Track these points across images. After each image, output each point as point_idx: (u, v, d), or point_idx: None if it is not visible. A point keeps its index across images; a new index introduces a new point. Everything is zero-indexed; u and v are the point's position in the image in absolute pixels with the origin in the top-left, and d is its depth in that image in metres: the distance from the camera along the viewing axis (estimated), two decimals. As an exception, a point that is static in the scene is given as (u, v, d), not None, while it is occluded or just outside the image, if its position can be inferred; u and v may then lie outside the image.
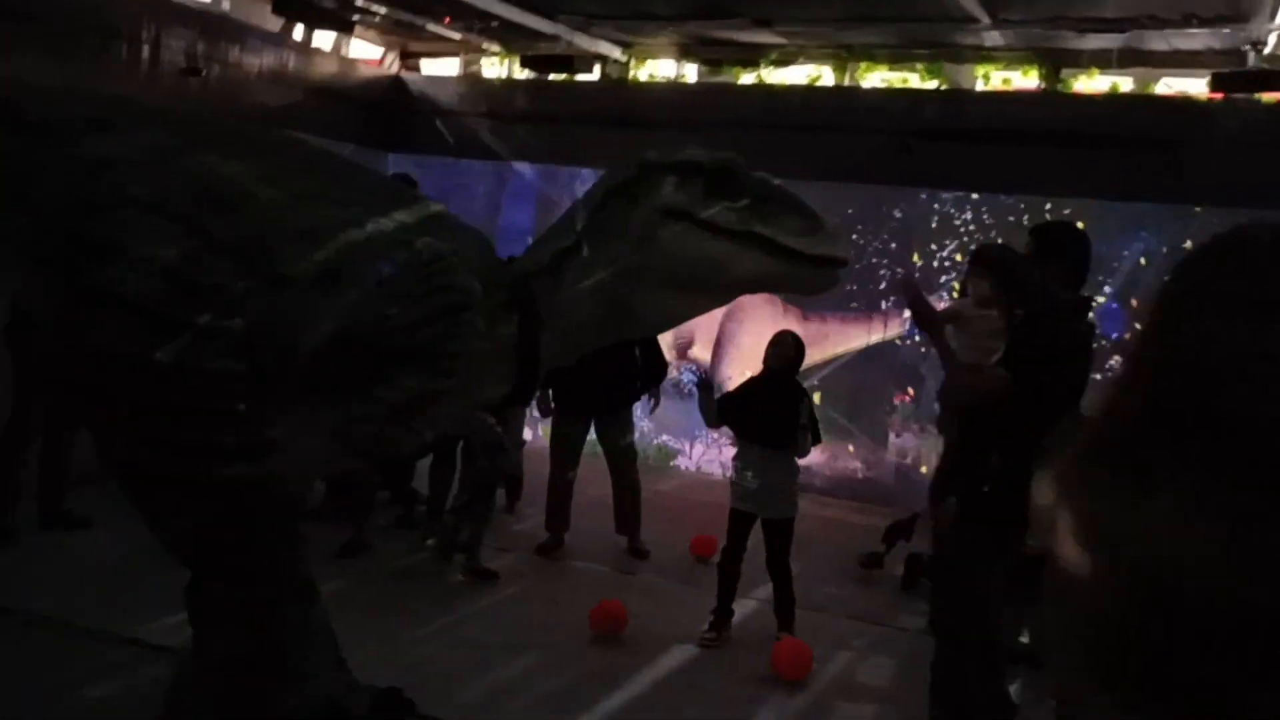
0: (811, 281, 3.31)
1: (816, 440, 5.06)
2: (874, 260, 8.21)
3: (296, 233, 2.97)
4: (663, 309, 3.34)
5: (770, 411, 4.91)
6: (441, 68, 9.98)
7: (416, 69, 9.90)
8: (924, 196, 8.17)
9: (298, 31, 8.50)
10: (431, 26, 8.68)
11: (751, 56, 8.75)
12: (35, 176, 2.96)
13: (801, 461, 5.02)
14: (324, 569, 3.82)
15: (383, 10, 8.34)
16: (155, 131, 3.15)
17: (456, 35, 8.94)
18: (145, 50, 7.10)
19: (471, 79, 9.85)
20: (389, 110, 9.48)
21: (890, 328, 8.23)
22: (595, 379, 5.63)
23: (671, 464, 8.71)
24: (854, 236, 8.03)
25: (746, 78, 8.96)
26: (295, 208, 3.03)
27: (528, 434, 7.75)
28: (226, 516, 2.98)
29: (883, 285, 8.20)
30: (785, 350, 5.04)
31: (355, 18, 8.40)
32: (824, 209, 3.37)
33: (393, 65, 9.77)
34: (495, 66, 9.80)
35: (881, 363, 8.27)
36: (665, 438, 8.76)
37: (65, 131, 3.01)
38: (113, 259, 2.84)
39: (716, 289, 3.35)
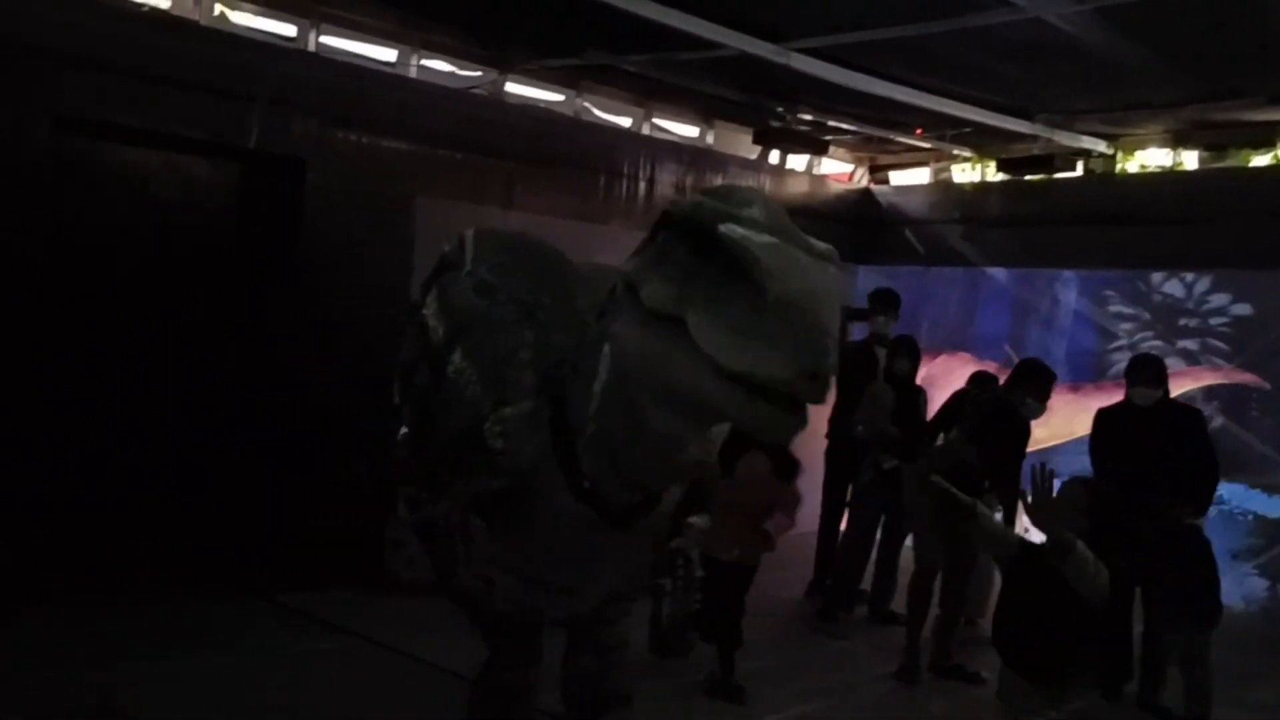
0: (734, 412, 2.14)
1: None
2: None
3: (484, 328, 3.04)
4: (659, 426, 2.40)
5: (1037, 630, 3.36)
6: (909, 177, 9.95)
7: (885, 180, 9.96)
8: None
9: (774, 155, 8.92)
10: (900, 138, 8.71)
11: (1266, 136, 7.79)
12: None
13: None
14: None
15: (855, 128, 8.50)
16: (483, 248, 3.40)
17: (926, 145, 8.88)
18: (642, 185, 7.81)
19: (942, 186, 9.71)
20: (858, 223, 9.59)
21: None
22: None
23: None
24: None
25: (1260, 159, 7.98)
26: (488, 312, 3.07)
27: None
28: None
29: None
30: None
31: (829, 138, 8.63)
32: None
33: (862, 179, 9.91)
34: (965, 172, 9.60)
35: None
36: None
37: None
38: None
39: (666, 404, 2.32)
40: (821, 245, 2.25)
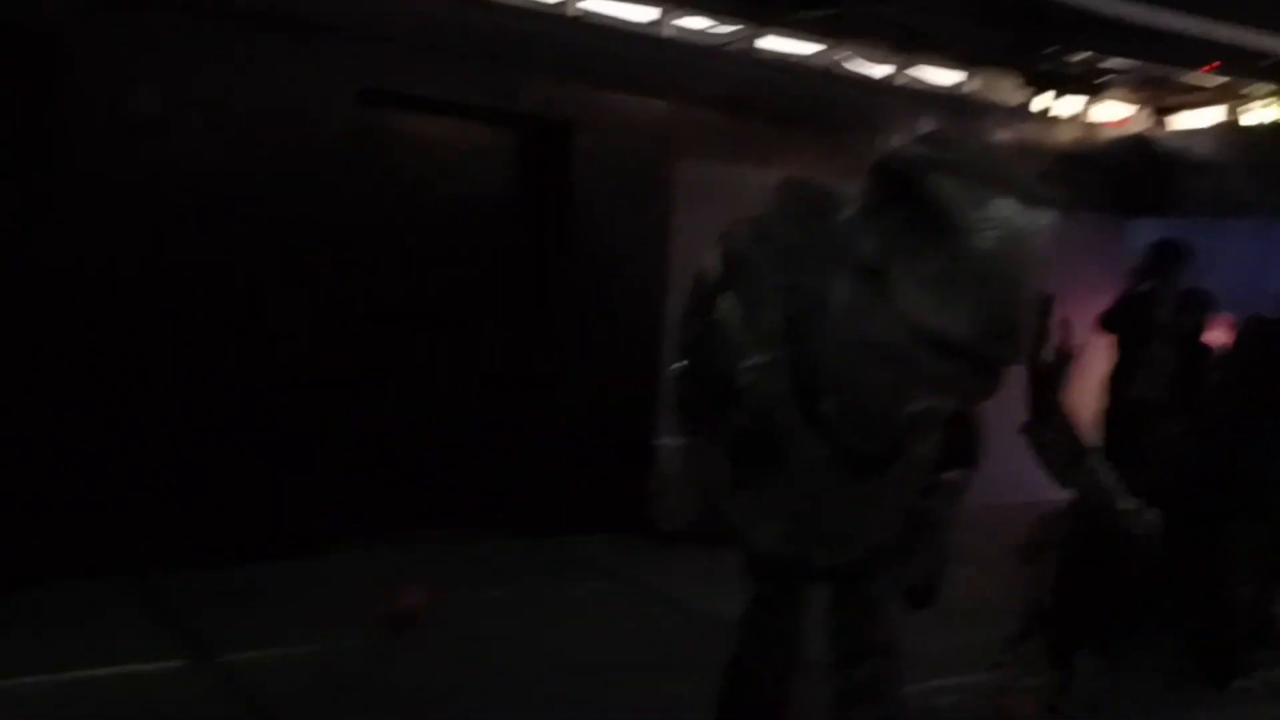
0: (924, 372, 2.08)
1: None
2: None
3: (747, 272, 2.97)
4: (872, 380, 2.34)
5: None
6: (1193, 120, 9.17)
7: (1164, 125, 9.23)
8: None
9: (1041, 101, 8.43)
10: (1188, 78, 8.04)
11: None
12: None
13: None
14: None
15: (1135, 68, 7.92)
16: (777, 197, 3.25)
17: (1220, 82, 8.15)
18: (902, 139, 7.59)
19: (1230, 128, 8.88)
20: (1134, 172, 8.94)
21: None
22: None
23: None
24: None
25: None
26: (753, 256, 2.97)
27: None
28: None
29: None
30: None
31: (1105, 80, 8.10)
32: None
33: (1140, 124, 9.23)
34: (1264, 111, 8.74)
35: None
36: None
37: None
38: None
39: (876, 359, 2.25)
40: (1043, 193, 2.14)
